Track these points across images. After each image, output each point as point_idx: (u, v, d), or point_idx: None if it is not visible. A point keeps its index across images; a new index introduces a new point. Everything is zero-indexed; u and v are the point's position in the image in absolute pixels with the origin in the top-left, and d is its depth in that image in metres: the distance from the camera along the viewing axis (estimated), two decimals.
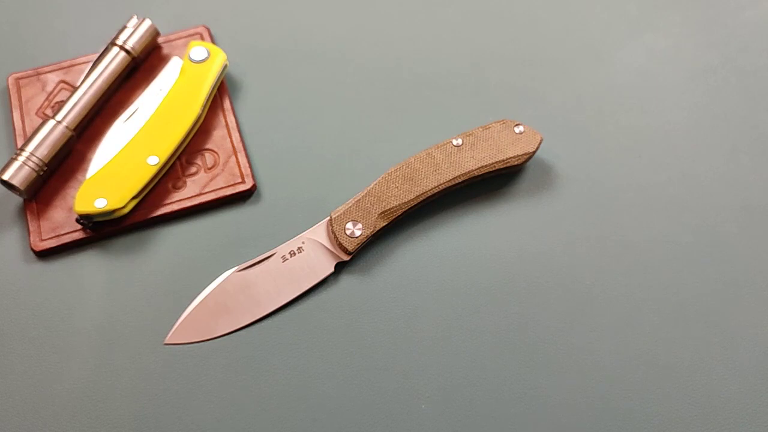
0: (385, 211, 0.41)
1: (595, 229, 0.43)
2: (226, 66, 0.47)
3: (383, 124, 0.47)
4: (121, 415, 0.37)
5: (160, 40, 0.49)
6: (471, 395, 0.38)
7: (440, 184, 0.41)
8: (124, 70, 0.46)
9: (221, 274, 0.41)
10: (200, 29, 0.50)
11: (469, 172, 0.42)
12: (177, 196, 0.43)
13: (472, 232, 0.43)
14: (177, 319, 0.40)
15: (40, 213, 0.42)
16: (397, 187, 0.41)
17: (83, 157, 0.44)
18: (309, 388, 0.38)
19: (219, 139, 0.45)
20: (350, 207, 0.41)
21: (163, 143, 0.43)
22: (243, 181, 0.44)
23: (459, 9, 0.52)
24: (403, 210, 0.41)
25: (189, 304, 0.40)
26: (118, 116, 0.45)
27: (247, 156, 0.45)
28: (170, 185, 0.44)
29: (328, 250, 0.41)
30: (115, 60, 0.46)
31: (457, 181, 0.42)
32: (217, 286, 0.40)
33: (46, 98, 0.47)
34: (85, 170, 0.44)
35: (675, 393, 0.38)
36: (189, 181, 0.44)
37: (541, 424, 0.37)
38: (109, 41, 0.47)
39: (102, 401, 0.38)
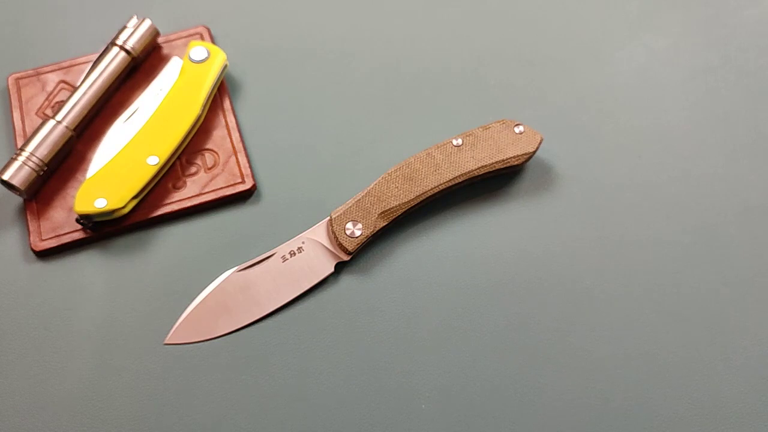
0: (385, 211, 0.41)
1: (595, 229, 0.43)
2: (226, 66, 0.47)
3: (383, 124, 0.47)
4: (121, 415, 0.37)
5: (160, 40, 0.49)
6: (471, 395, 0.38)
7: (440, 184, 0.41)
8: (124, 70, 0.46)
9: (221, 274, 0.41)
10: (200, 29, 0.50)
11: (469, 172, 0.42)
12: (177, 196, 0.43)
13: (472, 232, 0.43)
14: (177, 319, 0.40)
15: (40, 213, 0.42)
16: (397, 187, 0.41)
17: (83, 157, 0.44)
18: (309, 388, 0.38)
19: (219, 139, 0.45)
20: (350, 207, 0.41)
21: (163, 143, 0.43)
22: (243, 181, 0.44)
23: (459, 9, 0.52)
24: (403, 210, 0.41)
25: (189, 304, 0.40)
26: (118, 116, 0.45)
27: (247, 156, 0.45)
28: (170, 185, 0.44)
29: (328, 250, 0.41)
30: (115, 60, 0.46)
31: (457, 181, 0.42)
32: (217, 286, 0.40)
33: (46, 98, 0.47)
34: (85, 170, 0.44)
35: (675, 393, 0.38)
36: (189, 181, 0.44)
37: (541, 424, 0.37)
38: (109, 41, 0.47)
39: (102, 401, 0.38)
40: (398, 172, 0.42)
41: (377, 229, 0.41)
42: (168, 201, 0.43)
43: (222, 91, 0.47)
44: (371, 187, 0.41)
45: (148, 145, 0.43)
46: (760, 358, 0.39)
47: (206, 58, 0.46)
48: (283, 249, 0.41)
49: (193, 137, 0.45)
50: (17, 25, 0.51)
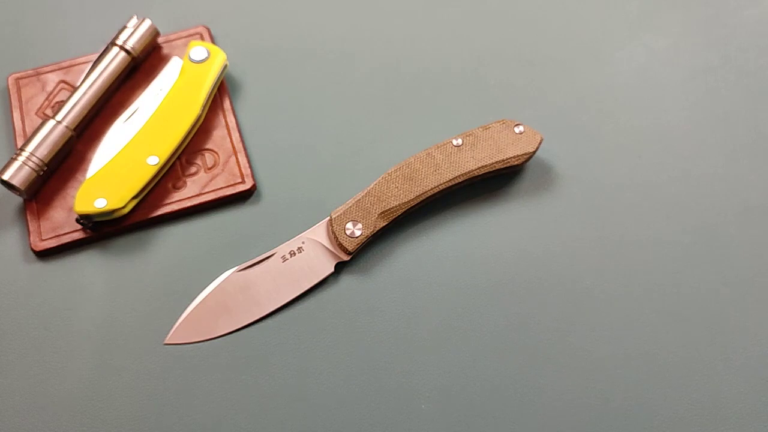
0: (385, 211, 0.41)
1: (595, 229, 0.43)
2: (226, 66, 0.47)
3: (383, 124, 0.47)
4: (121, 415, 0.37)
5: (160, 40, 0.49)
6: (471, 395, 0.38)
7: (440, 184, 0.41)
8: (124, 70, 0.46)
9: (221, 274, 0.41)
10: (200, 29, 0.50)
11: (469, 172, 0.42)
12: (177, 196, 0.43)
13: (472, 232, 0.43)
14: (177, 319, 0.40)
15: (40, 213, 0.42)
16: (397, 187, 0.41)
17: (83, 157, 0.45)
18: (309, 388, 0.38)
19: (219, 139, 0.45)
20: (350, 207, 0.41)
21: (163, 143, 0.43)
22: (243, 181, 0.44)
23: (459, 9, 0.52)
24: (403, 210, 0.41)
25: (189, 304, 0.40)
26: (118, 116, 0.45)
27: (247, 156, 0.45)
28: (170, 185, 0.44)
29: (328, 250, 0.41)
30: (115, 60, 0.46)
31: (457, 181, 0.42)
32: (217, 286, 0.40)
33: (46, 98, 0.47)
34: (85, 170, 0.44)
35: (675, 393, 0.38)
36: (189, 181, 0.44)
37: (541, 424, 0.37)
38: (109, 41, 0.47)
39: (102, 401, 0.38)
40: (398, 172, 0.42)
41: (377, 229, 0.41)
42: (168, 201, 0.43)
43: (222, 91, 0.47)
44: (371, 187, 0.41)
45: (148, 145, 0.43)
46: (760, 358, 0.39)
47: (206, 58, 0.46)
48: (283, 249, 0.41)
49: (193, 137, 0.45)
50: (17, 25, 0.51)
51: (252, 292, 0.40)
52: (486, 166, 0.42)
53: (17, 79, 0.47)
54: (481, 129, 0.43)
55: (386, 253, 0.42)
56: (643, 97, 0.48)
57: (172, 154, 0.43)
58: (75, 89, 0.45)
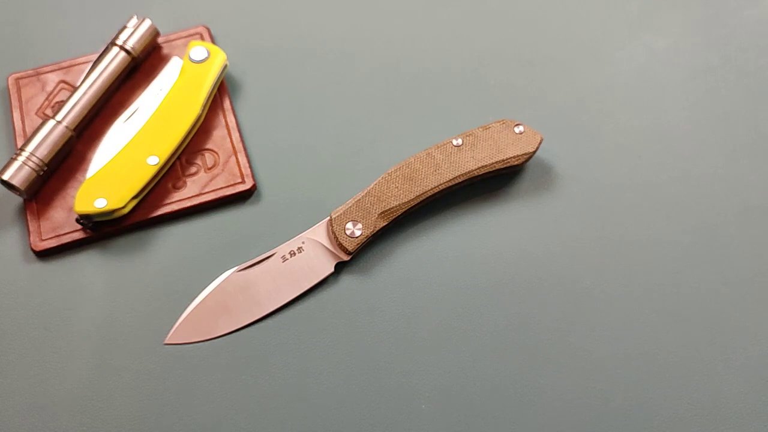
0: (385, 211, 0.41)
1: (595, 229, 0.43)
2: (226, 66, 0.47)
3: (383, 124, 0.47)
4: (121, 415, 0.37)
5: (160, 40, 0.49)
6: (471, 395, 0.38)
7: (440, 184, 0.41)
8: (124, 70, 0.46)
9: (221, 274, 0.41)
10: (200, 29, 0.50)
11: (469, 172, 0.42)
12: (177, 196, 0.43)
13: (472, 232, 0.43)
14: (177, 319, 0.40)
15: (40, 213, 0.42)
16: (397, 187, 0.41)
17: (83, 157, 0.45)
18: (309, 388, 0.38)
19: (219, 139, 0.45)
20: (350, 207, 0.41)
21: (163, 143, 0.43)
22: (243, 181, 0.44)
23: (459, 9, 0.52)
24: (403, 210, 0.41)
25: (189, 304, 0.40)
26: (118, 116, 0.45)
27: (247, 156, 0.45)
28: (170, 185, 0.44)
29: (328, 250, 0.41)
30: (115, 60, 0.46)
31: (457, 181, 0.42)
32: (217, 286, 0.40)
33: (46, 98, 0.47)
34: (85, 170, 0.44)
35: (675, 393, 0.38)
36: (189, 181, 0.44)
37: (541, 424, 0.37)
38: (109, 41, 0.47)
39: (102, 401, 0.38)
40: (398, 172, 0.42)
41: (377, 229, 0.41)
42: (168, 201, 0.43)
43: (222, 91, 0.47)
44: (371, 187, 0.41)
45: (148, 145, 0.43)
46: (760, 358, 0.39)
47: (206, 58, 0.46)
48: (283, 249, 0.41)
49: (193, 137, 0.45)
50: (17, 25, 0.51)
51: (252, 292, 0.40)
52: (486, 166, 0.42)
53: (17, 79, 0.47)
54: (481, 129, 0.43)
55: (386, 253, 0.42)
56: (643, 97, 0.48)
57: (172, 154, 0.43)
58: (75, 89, 0.45)
